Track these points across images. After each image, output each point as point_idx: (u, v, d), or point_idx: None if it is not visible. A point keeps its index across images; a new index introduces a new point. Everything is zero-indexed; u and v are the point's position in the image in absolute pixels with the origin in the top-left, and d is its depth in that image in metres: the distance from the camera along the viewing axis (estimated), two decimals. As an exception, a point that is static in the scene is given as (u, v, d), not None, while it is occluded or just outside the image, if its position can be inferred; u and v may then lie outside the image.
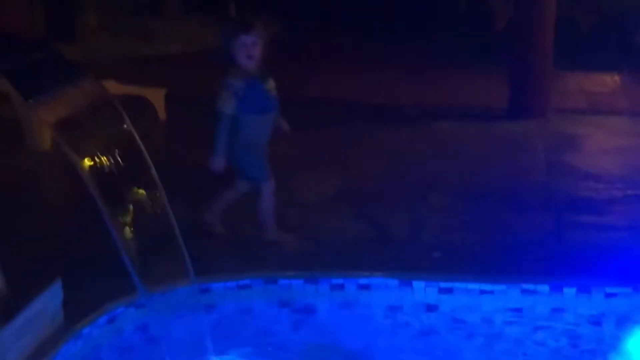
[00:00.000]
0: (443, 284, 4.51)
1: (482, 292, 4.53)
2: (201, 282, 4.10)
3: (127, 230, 3.40)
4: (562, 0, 8.67)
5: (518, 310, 4.44)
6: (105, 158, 3.36)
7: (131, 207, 3.46)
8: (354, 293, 4.50)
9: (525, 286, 4.52)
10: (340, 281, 4.52)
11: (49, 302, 3.80)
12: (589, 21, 13.04)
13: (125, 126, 3.53)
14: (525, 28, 8.45)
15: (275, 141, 5.19)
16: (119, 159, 3.45)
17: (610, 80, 10.23)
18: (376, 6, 13.74)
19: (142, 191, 3.54)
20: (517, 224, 5.52)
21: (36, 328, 3.68)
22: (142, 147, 3.49)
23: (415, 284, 4.51)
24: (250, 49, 4.85)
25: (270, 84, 4.98)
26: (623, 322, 4.37)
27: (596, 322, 4.37)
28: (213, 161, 5.01)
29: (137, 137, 3.50)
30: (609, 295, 4.46)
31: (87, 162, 3.26)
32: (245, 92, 4.87)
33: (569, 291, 4.49)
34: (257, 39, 4.87)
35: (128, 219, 3.43)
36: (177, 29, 13.93)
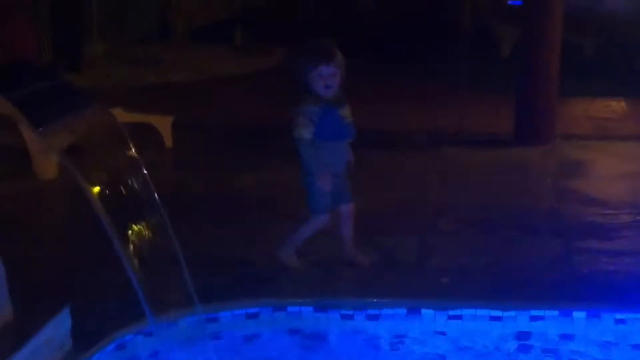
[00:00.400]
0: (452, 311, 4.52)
1: (492, 318, 4.53)
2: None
3: (134, 258, 3.40)
4: (567, 25, 8.69)
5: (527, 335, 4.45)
6: (112, 185, 3.37)
7: (137, 234, 3.46)
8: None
9: (534, 312, 4.52)
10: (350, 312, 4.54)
11: (57, 329, 3.80)
12: (594, 46, 13.09)
13: (132, 153, 3.54)
14: (531, 54, 8.47)
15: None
16: (126, 186, 3.46)
17: (616, 106, 10.23)
18: (384, 33, 13.83)
19: (148, 218, 3.55)
20: (525, 249, 5.50)
21: (44, 356, 3.67)
22: (148, 175, 3.50)
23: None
24: (329, 79, 4.73)
25: (346, 111, 4.86)
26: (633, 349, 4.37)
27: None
28: (320, 183, 4.82)
29: (143, 165, 3.52)
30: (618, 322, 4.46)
31: (95, 188, 3.26)
32: (321, 119, 4.74)
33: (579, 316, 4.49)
34: (337, 70, 4.75)
35: (135, 246, 3.43)
36: (184, 57, 14.02)
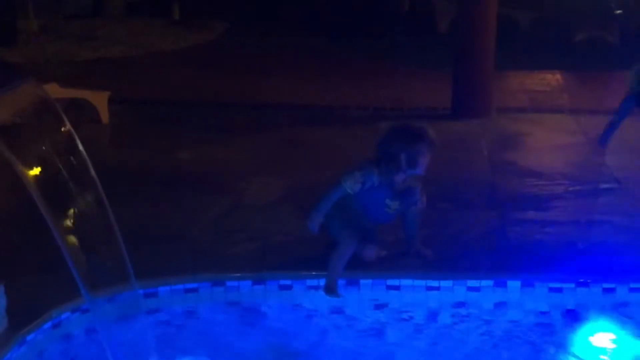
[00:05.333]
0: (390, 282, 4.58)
1: (429, 288, 4.60)
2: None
3: (70, 235, 3.37)
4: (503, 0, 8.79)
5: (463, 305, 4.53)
6: (46, 162, 3.33)
7: (73, 211, 3.42)
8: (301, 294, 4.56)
9: (471, 282, 4.60)
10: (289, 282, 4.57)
11: (-9, 308, 3.76)
12: (530, 20, 13.25)
13: (66, 130, 3.49)
14: (467, 28, 8.54)
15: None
16: (60, 163, 3.42)
17: (551, 79, 10.39)
18: (323, 9, 13.82)
19: (83, 195, 3.51)
20: (462, 221, 5.57)
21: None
22: (83, 151, 3.46)
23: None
24: (424, 162, 4.69)
25: (394, 204, 4.75)
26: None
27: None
28: (309, 221, 4.74)
29: (79, 141, 3.47)
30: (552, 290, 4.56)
31: (28, 166, 3.22)
32: (370, 190, 4.67)
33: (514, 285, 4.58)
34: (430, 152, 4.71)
35: (70, 223, 3.40)
36: (120, 32, 13.84)
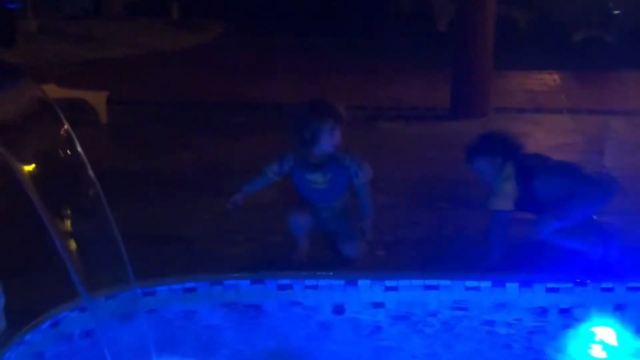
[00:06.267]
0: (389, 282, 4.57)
1: (427, 287, 4.59)
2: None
3: (68, 236, 3.37)
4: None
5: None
6: (44, 163, 3.33)
7: (71, 211, 3.42)
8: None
9: (470, 283, 4.60)
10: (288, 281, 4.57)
11: (-10, 308, 3.76)
12: (529, 19, 13.25)
13: (65, 130, 3.49)
14: (465, 28, 8.55)
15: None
16: (59, 164, 3.42)
17: (549, 79, 10.40)
18: (323, 9, 13.82)
19: (82, 195, 3.51)
20: (460, 221, 5.58)
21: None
22: (82, 152, 3.46)
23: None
24: (336, 139, 4.79)
25: (317, 178, 4.86)
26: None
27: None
28: (230, 200, 4.98)
29: (77, 142, 3.47)
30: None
31: (26, 166, 3.22)
32: (292, 171, 4.89)
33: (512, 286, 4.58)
34: (338, 127, 4.79)
35: (68, 223, 3.40)
36: (120, 33, 13.84)
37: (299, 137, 4.78)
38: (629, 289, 4.58)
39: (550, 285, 4.56)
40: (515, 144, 4.97)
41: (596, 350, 4.26)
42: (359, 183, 4.89)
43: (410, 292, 4.59)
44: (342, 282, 4.56)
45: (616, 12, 12.68)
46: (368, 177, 4.91)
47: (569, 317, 4.45)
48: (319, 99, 4.97)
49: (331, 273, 4.61)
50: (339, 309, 4.49)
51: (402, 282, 4.61)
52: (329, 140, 4.77)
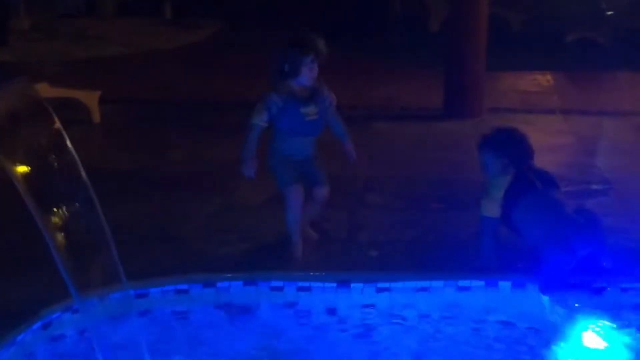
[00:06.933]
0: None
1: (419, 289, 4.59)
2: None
3: (59, 235, 3.36)
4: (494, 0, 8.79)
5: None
6: (36, 162, 3.31)
7: (63, 211, 3.41)
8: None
9: (462, 283, 4.60)
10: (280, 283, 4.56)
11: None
12: (521, 20, 13.26)
13: (57, 129, 3.48)
14: (458, 28, 8.54)
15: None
16: (51, 163, 3.41)
17: (542, 79, 10.40)
18: (310, 6, 13.79)
19: (73, 195, 3.50)
20: (453, 222, 5.57)
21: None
22: (74, 151, 3.44)
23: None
24: (314, 71, 4.87)
25: (311, 109, 4.90)
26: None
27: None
28: (242, 168, 4.96)
29: (69, 140, 3.46)
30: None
31: (18, 165, 3.21)
32: (281, 111, 4.84)
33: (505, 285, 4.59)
34: (317, 60, 4.87)
35: (60, 223, 3.39)
36: (112, 32, 13.81)
37: (279, 70, 4.83)
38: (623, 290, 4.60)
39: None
40: (528, 151, 4.88)
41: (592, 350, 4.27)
42: (332, 110, 5.05)
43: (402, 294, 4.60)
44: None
45: (609, 13, 12.69)
46: (335, 103, 5.07)
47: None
48: (301, 34, 4.99)
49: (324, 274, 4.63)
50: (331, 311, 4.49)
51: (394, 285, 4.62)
52: (308, 74, 4.85)
